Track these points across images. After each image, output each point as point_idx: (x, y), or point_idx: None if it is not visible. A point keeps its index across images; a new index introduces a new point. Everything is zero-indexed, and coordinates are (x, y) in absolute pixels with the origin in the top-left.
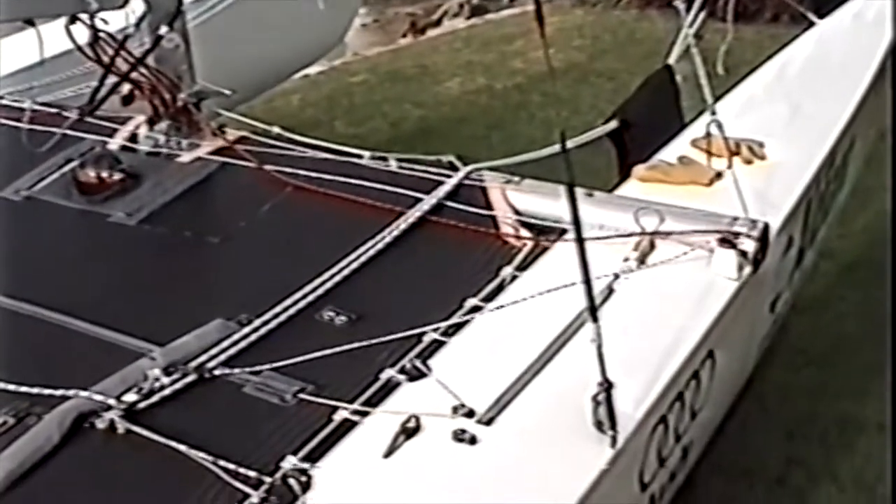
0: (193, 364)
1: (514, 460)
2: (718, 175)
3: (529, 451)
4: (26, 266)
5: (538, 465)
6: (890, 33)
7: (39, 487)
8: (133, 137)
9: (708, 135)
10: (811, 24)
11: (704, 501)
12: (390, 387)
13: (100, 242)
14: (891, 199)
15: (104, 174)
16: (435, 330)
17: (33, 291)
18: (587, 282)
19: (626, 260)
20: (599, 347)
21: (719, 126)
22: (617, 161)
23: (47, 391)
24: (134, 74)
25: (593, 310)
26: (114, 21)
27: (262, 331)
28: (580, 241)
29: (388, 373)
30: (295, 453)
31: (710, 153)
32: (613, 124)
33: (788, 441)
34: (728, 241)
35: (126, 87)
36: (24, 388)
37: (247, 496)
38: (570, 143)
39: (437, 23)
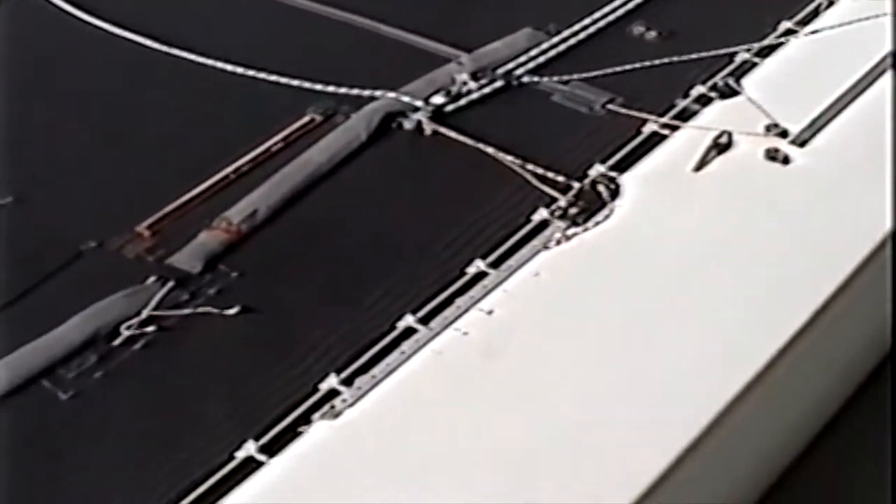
0: (501, 71)
1: (827, 185)
2: None
3: (842, 178)
4: None
5: (850, 192)
6: None
7: (347, 183)
8: None
9: None
10: None
11: None
12: (701, 103)
13: None
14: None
15: None
16: (748, 50)
17: None
18: None
19: None
20: None
21: None
22: None
23: (355, 91)
24: None
25: None
26: None
27: (571, 41)
28: None
29: (699, 89)
30: (603, 162)
31: None
32: None
33: None
34: None
35: None
36: (331, 88)
37: (554, 200)
38: None
39: None
